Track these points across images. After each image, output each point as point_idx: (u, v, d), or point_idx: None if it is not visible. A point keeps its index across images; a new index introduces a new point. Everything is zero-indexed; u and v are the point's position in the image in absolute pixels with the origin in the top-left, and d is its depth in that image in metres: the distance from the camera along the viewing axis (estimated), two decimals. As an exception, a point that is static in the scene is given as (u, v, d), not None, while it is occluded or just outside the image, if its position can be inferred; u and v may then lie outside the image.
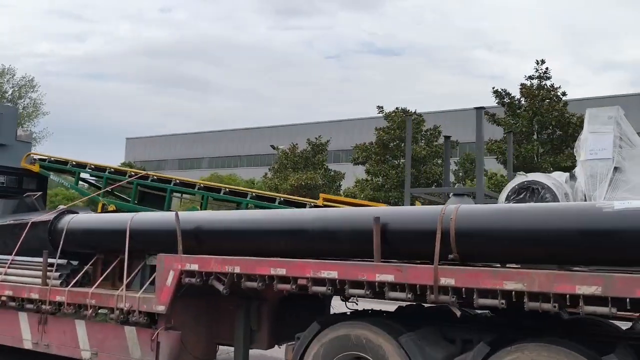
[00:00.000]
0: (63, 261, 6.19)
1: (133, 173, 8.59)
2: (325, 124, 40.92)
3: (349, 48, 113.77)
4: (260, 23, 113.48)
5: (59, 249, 6.15)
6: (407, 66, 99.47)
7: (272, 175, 31.28)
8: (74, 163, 9.31)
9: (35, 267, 6.43)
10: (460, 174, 28.72)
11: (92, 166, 9.08)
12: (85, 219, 6.36)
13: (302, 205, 7.17)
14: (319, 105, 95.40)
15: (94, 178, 9.44)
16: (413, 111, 27.55)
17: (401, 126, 26.44)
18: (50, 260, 6.18)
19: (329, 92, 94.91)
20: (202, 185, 8.09)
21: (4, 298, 6.42)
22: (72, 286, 6.03)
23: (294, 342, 5.02)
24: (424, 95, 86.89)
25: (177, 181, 8.19)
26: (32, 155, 9.90)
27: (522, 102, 23.91)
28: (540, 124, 23.00)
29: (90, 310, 5.68)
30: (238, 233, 5.06)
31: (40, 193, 8.86)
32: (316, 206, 6.97)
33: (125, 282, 5.57)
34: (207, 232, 5.28)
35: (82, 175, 9.62)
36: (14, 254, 6.63)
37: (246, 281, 4.79)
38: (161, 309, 5.20)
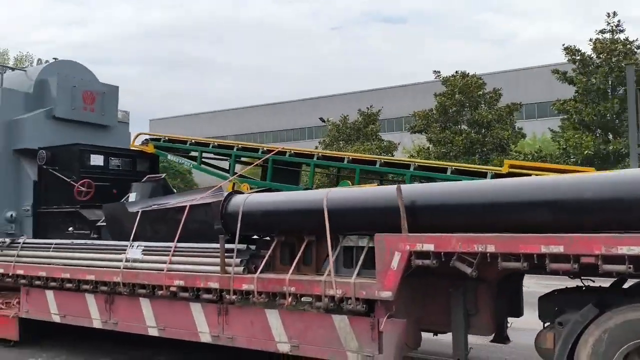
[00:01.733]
0: (242, 246, 5.70)
1: (266, 149, 8.03)
2: (370, 93, 39.72)
3: (353, 18, 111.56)
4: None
5: (238, 232, 5.66)
6: (413, 34, 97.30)
7: (323, 149, 30.68)
8: (193, 141, 8.80)
9: (205, 254, 5.97)
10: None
11: (216, 144, 8.56)
12: (263, 199, 5.85)
13: (480, 174, 6.56)
14: (326, 78, 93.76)
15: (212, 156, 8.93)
16: (472, 73, 26.53)
17: (463, 90, 25.59)
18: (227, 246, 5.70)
19: (335, 64, 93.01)
20: (350, 157, 7.52)
21: (173, 289, 5.98)
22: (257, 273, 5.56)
23: (547, 328, 4.50)
24: (434, 62, 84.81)
25: (320, 155, 7.63)
26: (142, 135, 9.47)
27: (595, 58, 22.77)
28: (618, 80, 21.87)
29: (290, 299, 5.19)
30: (482, 207, 4.46)
31: (165, 175, 8.41)
32: (498, 175, 6.35)
33: (331, 266, 5.05)
34: (432, 207, 4.72)
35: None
36: (176, 240, 6.18)
37: (503, 261, 4.22)
38: (387, 295, 4.67)
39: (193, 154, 9.25)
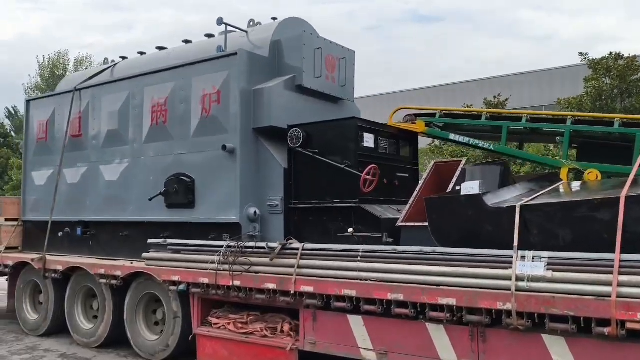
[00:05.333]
0: None
1: (626, 120, 5.93)
2: (496, 80, 36.34)
3: (389, 17, 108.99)
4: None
5: None
6: (450, 32, 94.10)
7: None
8: (489, 115, 6.80)
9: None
10: None
11: (528, 117, 6.51)
12: None
13: None
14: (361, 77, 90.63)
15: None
16: (628, 55, 23.64)
17: (623, 74, 22.81)
18: None
19: (369, 63, 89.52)
20: None
21: (634, 325, 3.96)
22: None
23: None
24: (469, 60, 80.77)
25: None
26: (403, 109, 7.57)
27: None
28: None
29: None
30: None
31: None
32: None
33: None
34: None
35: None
36: (618, 250, 4.15)
37: None
38: None
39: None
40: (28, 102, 9.92)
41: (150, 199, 7.38)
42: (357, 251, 5.44)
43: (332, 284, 5.45)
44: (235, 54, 6.92)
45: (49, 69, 41.05)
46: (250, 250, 6.13)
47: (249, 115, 6.95)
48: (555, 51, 78.55)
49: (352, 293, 5.29)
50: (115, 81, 8.43)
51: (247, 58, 6.97)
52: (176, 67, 7.59)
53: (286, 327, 6.05)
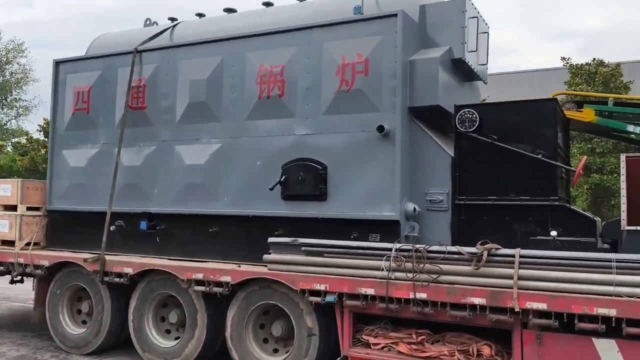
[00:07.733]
0: None
1: None
2: None
3: None
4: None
5: None
6: None
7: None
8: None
9: None
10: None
11: None
12: None
13: None
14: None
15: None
16: (608, 62, 24.27)
17: (607, 81, 23.33)
18: None
19: None
20: None
21: None
22: None
23: None
24: None
25: None
26: (560, 95, 6.71)
27: None
28: None
29: None
30: None
31: None
32: None
33: None
34: None
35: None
36: None
37: None
38: None
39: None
40: (57, 63, 8.14)
41: (271, 189, 6.06)
42: (608, 260, 4.51)
43: (577, 300, 4.48)
44: (395, 15, 5.77)
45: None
46: (441, 255, 5.04)
47: (404, 90, 5.83)
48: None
49: (611, 312, 4.36)
50: (200, 43, 6.97)
51: (406, 22, 5.84)
52: (299, 29, 6.31)
53: (486, 351, 5.00)
